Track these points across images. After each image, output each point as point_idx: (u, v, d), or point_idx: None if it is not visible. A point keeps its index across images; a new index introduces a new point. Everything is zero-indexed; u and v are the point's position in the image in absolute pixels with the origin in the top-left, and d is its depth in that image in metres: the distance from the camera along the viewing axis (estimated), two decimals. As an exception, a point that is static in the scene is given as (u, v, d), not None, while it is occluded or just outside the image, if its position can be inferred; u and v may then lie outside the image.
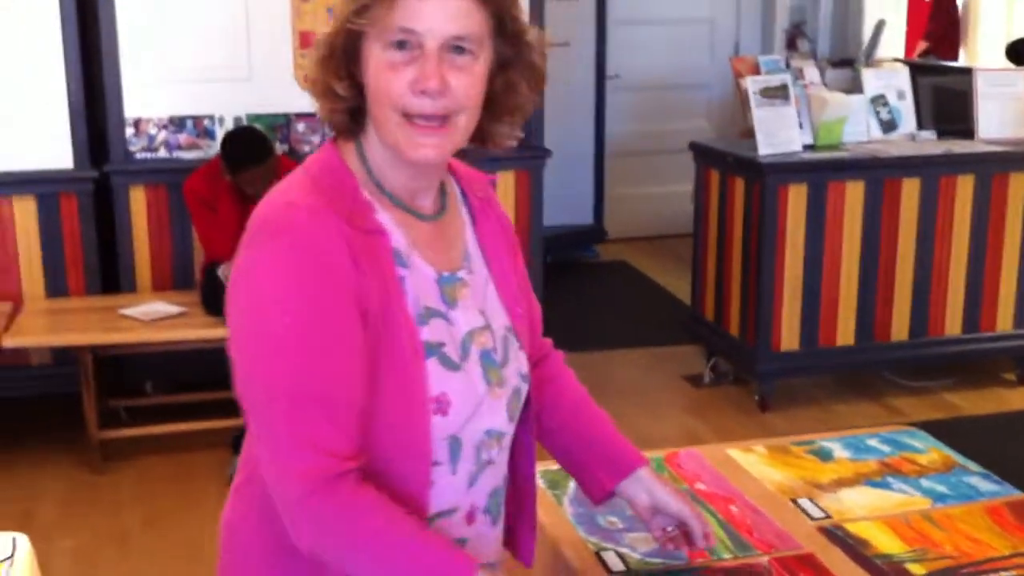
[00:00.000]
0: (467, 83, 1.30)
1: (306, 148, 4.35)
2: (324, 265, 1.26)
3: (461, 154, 1.41)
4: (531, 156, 4.60)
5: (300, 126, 4.36)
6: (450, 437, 1.35)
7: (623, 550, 1.79)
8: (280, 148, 4.23)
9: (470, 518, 1.43)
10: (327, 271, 1.26)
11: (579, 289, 6.14)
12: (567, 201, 6.55)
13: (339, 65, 1.32)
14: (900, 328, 4.53)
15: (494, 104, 1.38)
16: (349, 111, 1.35)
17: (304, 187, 1.32)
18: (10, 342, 3.69)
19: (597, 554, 1.78)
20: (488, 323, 1.43)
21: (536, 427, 1.59)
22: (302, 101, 1.45)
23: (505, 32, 1.34)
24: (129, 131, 4.17)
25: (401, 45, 1.27)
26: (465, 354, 1.38)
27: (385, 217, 1.34)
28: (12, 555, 1.82)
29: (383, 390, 1.29)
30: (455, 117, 1.30)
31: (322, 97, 1.36)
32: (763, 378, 4.45)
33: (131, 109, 4.15)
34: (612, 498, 1.67)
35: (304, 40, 4.25)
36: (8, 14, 3.98)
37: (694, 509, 1.64)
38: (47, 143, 4.08)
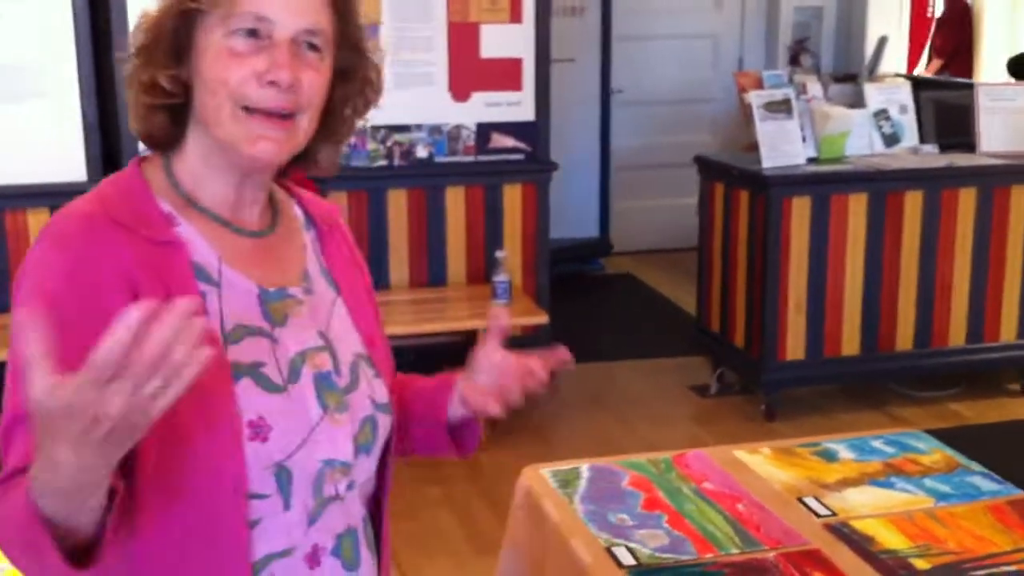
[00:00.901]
0: (315, 81, 1.22)
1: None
2: (77, 286, 1.14)
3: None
4: (537, 169, 4.66)
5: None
6: (275, 466, 1.20)
7: (633, 545, 1.83)
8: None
9: (312, 560, 1.26)
10: (79, 294, 1.14)
11: (585, 302, 6.18)
12: (573, 215, 6.61)
13: (166, 53, 1.21)
14: (905, 338, 4.57)
15: (327, 119, 1.29)
16: (169, 111, 1.24)
17: (88, 200, 1.22)
18: (25, 352, 3.74)
19: (608, 549, 1.82)
20: (329, 345, 1.30)
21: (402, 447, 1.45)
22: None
23: (347, 39, 1.28)
24: (141, 145, 4.23)
25: (251, 33, 1.19)
26: (294, 376, 1.25)
27: (189, 230, 1.23)
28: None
29: (184, 413, 1.09)
30: (299, 116, 1.22)
31: (143, 93, 1.23)
32: (769, 388, 4.49)
33: (144, 123, 4.21)
34: (474, 437, 1.47)
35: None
36: (23, 31, 4.04)
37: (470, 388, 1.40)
38: (61, 157, 4.14)
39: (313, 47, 1.22)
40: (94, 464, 0.99)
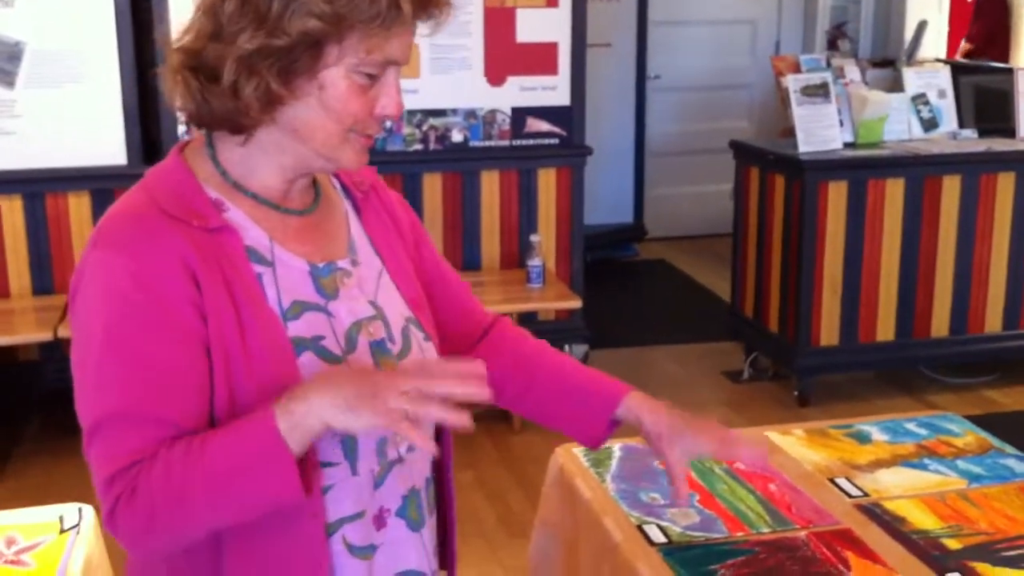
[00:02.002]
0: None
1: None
2: (144, 284, 1.19)
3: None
4: (572, 154, 4.66)
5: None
6: (341, 435, 1.25)
7: (665, 524, 1.84)
8: None
9: (379, 522, 1.33)
10: (148, 291, 1.19)
11: (619, 287, 6.18)
12: (607, 200, 6.61)
13: (288, 59, 1.20)
14: (940, 324, 4.54)
15: None
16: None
17: (138, 197, 1.26)
18: (65, 332, 3.80)
19: (639, 527, 1.83)
20: (380, 313, 1.35)
21: (502, 398, 1.54)
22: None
23: None
24: (181, 129, 4.27)
25: (373, 75, 1.24)
26: (351, 346, 1.30)
27: (238, 215, 1.28)
28: (79, 523, 1.91)
29: (252, 391, 1.21)
30: None
31: (248, 81, 1.20)
32: (802, 374, 4.48)
33: (183, 107, 4.25)
34: (607, 438, 1.57)
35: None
36: (65, 18, 4.10)
37: (679, 465, 1.48)
38: (102, 140, 4.19)
39: None
40: (326, 423, 1.15)
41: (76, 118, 4.17)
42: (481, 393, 1.17)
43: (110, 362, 1.19)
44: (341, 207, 1.42)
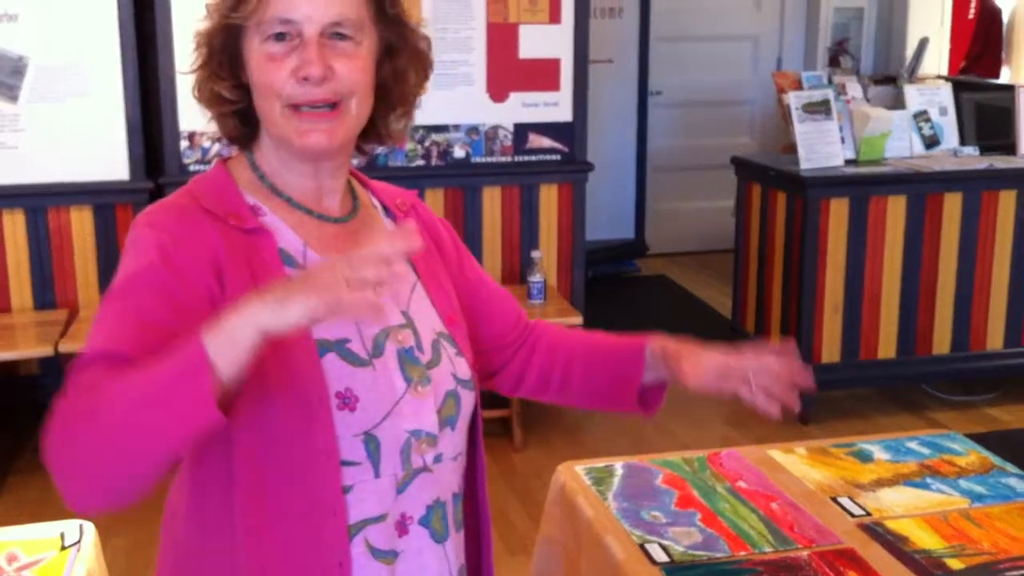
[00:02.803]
0: (352, 67, 1.28)
1: (353, 161, 4.43)
2: (169, 258, 1.23)
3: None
4: (574, 170, 4.67)
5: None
6: (364, 435, 1.27)
7: (667, 543, 1.84)
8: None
9: (401, 528, 1.33)
10: (171, 264, 1.23)
11: (620, 303, 6.18)
12: (608, 215, 6.62)
13: (220, 65, 1.31)
14: (942, 342, 4.54)
15: (385, 94, 1.36)
16: (238, 115, 1.33)
17: (179, 194, 1.33)
18: (66, 347, 3.80)
19: (641, 546, 1.83)
20: (410, 323, 1.36)
21: (549, 393, 1.57)
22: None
23: (386, 17, 1.34)
24: (184, 144, 4.29)
25: (280, 37, 1.26)
26: (378, 350, 1.31)
27: (274, 219, 1.32)
28: (79, 540, 1.90)
29: (278, 389, 1.23)
30: (345, 103, 1.29)
31: (209, 104, 1.34)
32: (803, 390, 4.46)
33: (186, 123, 4.26)
34: (660, 397, 1.55)
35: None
36: (69, 33, 4.11)
37: (731, 359, 1.46)
38: (105, 155, 4.20)
39: (343, 36, 1.28)
40: (277, 329, 1.07)
41: (79, 133, 4.18)
42: (411, 244, 1.10)
43: (114, 309, 1.22)
44: (380, 223, 1.44)
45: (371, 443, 1.28)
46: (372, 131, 1.39)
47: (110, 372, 1.14)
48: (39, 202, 4.15)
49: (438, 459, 1.35)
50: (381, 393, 1.29)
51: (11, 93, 4.10)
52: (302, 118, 1.28)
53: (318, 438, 1.24)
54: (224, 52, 1.30)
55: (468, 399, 1.39)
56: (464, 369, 1.40)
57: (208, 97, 1.33)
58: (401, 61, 1.36)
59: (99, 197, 4.20)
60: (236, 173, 1.36)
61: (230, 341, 1.08)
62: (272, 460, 1.25)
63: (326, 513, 1.25)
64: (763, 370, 1.44)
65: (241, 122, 1.34)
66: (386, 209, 1.46)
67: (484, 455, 1.47)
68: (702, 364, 1.46)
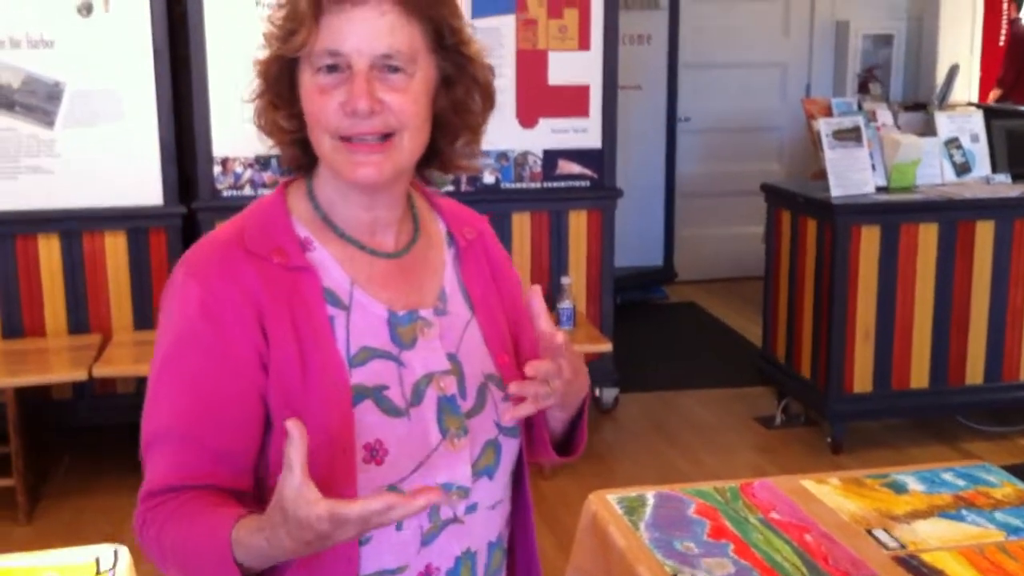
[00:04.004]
0: (402, 100, 1.24)
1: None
2: (212, 315, 1.23)
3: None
4: (603, 196, 4.67)
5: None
6: (389, 489, 1.22)
7: (699, 573, 1.83)
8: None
9: None
10: (214, 322, 1.23)
11: (648, 330, 6.17)
12: (637, 242, 6.61)
13: (277, 95, 1.29)
14: (975, 371, 4.50)
15: (445, 124, 1.32)
16: (297, 143, 1.31)
17: (228, 229, 1.30)
18: (99, 372, 3.82)
19: (674, 577, 1.82)
20: (457, 368, 1.32)
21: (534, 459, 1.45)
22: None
23: (444, 47, 1.29)
24: (216, 169, 4.32)
25: (332, 69, 1.23)
26: (417, 398, 1.27)
27: (323, 254, 1.30)
28: (114, 566, 1.91)
29: (313, 434, 1.15)
30: (397, 137, 1.25)
31: (269, 133, 1.33)
32: (835, 420, 4.44)
33: (219, 149, 4.29)
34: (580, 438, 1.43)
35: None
36: (104, 59, 4.16)
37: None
38: (139, 180, 4.24)
39: (394, 68, 1.24)
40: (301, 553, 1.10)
41: (113, 158, 4.22)
42: (430, 499, 1.06)
43: (166, 381, 1.24)
44: (440, 252, 1.39)
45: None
46: (435, 159, 1.36)
47: (182, 495, 1.21)
48: (74, 227, 4.19)
49: (471, 509, 1.31)
50: (413, 446, 1.25)
51: (47, 119, 4.16)
52: (352, 150, 1.25)
53: (338, 493, 1.17)
54: (280, 82, 1.29)
55: (510, 447, 1.35)
56: (508, 416, 1.31)
57: (268, 126, 1.32)
58: (459, 91, 1.32)
59: (133, 222, 4.24)
60: (293, 201, 1.34)
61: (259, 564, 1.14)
62: None
63: (339, 564, 1.23)
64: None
65: (302, 151, 1.32)
66: (450, 235, 1.41)
67: (530, 502, 1.42)
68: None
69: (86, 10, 4.14)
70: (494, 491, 1.34)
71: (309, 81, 1.25)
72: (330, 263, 1.30)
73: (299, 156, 1.33)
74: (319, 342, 1.24)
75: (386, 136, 1.25)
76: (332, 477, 1.19)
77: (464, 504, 1.30)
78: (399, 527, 1.25)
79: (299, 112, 1.28)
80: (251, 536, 1.12)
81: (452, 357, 1.32)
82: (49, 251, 4.20)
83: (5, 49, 4.08)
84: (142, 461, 1.26)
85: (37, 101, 4.15)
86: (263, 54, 1.30)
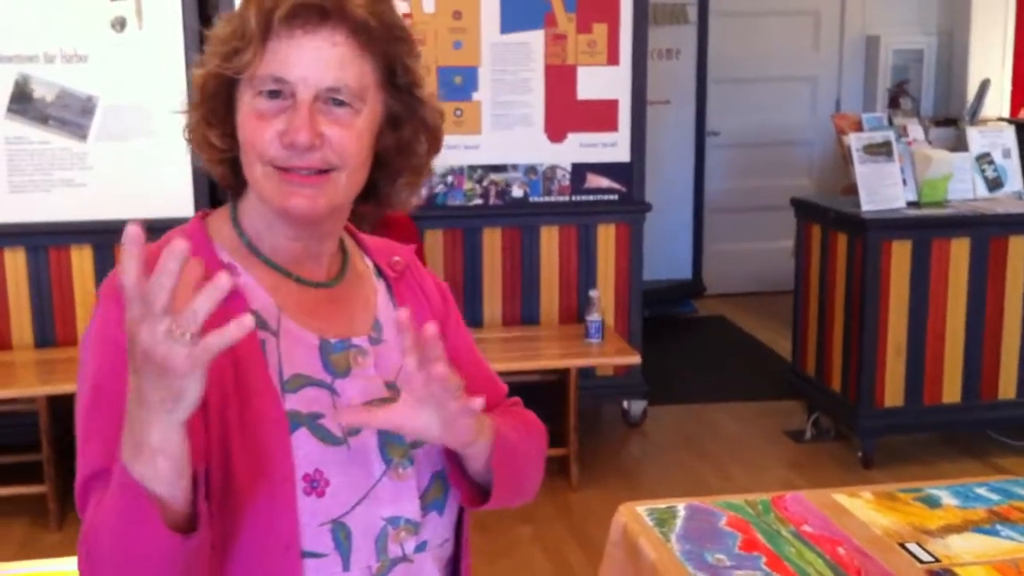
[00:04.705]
0: (345, 137, 1.18)
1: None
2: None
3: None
4: (632, 210, 4.67)
5: (408, 179, 4.50)
6: (332, 523, 1.16)
7: (731, 586, 1.81)
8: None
9: None
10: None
11: (677, 343, 6.15)
12: (666, 256, 6.60)
13: (211, 111, 1.23)
14: (1007, 386, 4.45)
15: (387, 164, 1.26)
16: (228, 162, 1.25)
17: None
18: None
19: (705, 589, 1.81)
20: (396, 396, 1.22)
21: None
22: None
23: (396, 85, 1.23)
24: (246, 182, 4.35)
25: (272, 94, 1.17)
26: (355, 428, 1.20)
27: (249, 280, 1.23)
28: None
29: (241, 464, 1.12)
30: (335, 173, 1.19)
31: (198, 148, 1.26)
32: (866, 435, 4.41)
33: (249, 161, 4.33)
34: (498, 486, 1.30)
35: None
36: (137, 73, 4.20)
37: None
38: (170, 193, 4.27)
39: (340, 103, 1.18)
40: (168, 435, 1.00)
41: (145, 171, 4.26)
42: (222, 286, 0.98)
43: (96, 416, 1.14)
44: (371, 285, 1.34)
45: (340, 532, 1.17)
46: (372, 196, 1.29)
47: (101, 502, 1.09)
48: (106, 239, 4.22)
49: (421, 547, 1.24)
50: (354, 477, 1.18)
51: (80, 132, 4.20)
52: (285, 180, 1.18)
53: (279, 526, 1.13)
54: (216, 99, 1.22)
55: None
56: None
57: (198, 141, 1.25)
58: (406, 132, 1.25)
59: (163, 234, 4.26)
60: (215, 228, 1.27)
61: (146, 457, 1.01)
62: (228, 548, 1.14)
63: None
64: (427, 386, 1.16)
65: (232, 171, 1.25)
66: (379, 269, 1.36)
67: (468, 543, 1.34)
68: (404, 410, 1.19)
69: (120, 25, 4.19)
70: (443, 528, 1.28)
71: (248, 104, 1.19)
72: (256, 289, 1.23)
73: (229, 176, 1.26)
74: (251, 366, 1.17)
75: (323, 170, 1.19)
76: (272, 511, 1.14)
77: (414, 542, 1.23)
78: (347, 567, 1.18)
79: (233, 132, 1.22)
80: (135, 466, 1.02)
81: (391, 386, 1.26)
82: (81, 262, 4.24)
83: (40, 64, 4.13)
84: (79, 505, 1.13)
85: (71, 115, 4.19)
86: (200, 68, 1.23)
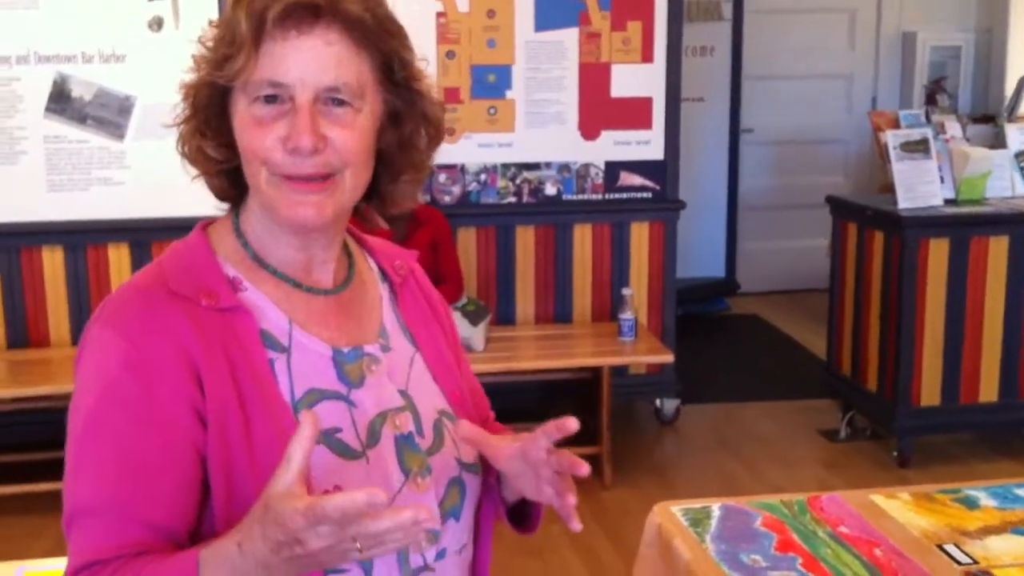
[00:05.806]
0: (348, 137, 1.15)
1: (446, 198, 4.50)
2: (137, 372, 1.12)
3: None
4: (665, 208, 4.66)
5: (441, 176, 4.51)
6: None
7: (767, 587, 1.81)
8: (422, 198, 4.38)
9: None
10: (140, 379, 1.11)
11: (711, 342, 6.13)
12: (699, 254, 6.58)
13: (204, 122, 1.19)
14: (1046, 386, 4.41)
15: (388, 161, 1.24)
16: (225, 174, 1.22)
17: (148, 274, 1.20)
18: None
19: (740, 590, 1.80)
20: (410, 404, 1.24)
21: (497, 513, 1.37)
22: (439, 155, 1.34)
23: (394, 80, 1.20)
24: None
25: (270, 99, 1.14)
26: (373, 439, 1.19)
27: (256, 295, 1.20)
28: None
29: (254, 489, 1.06)
30: (339, 176, 1.16)
31: (193, 161, 1.22)
32: (902, 434, 4.38)
33: (284, 160, 4.35)
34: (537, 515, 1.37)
35: (449, 96, 4.40)
36: (173, 72, 4.21)
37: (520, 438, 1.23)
38: (206, 191, 4.29)
39: (340, 102, 1.15)
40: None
41: (181, 170, 4.27)
42: (428, 522, 0.97)
43: (89, 449, 1.12)
44: (376, 290, 1.32)
45: None
46: (374, 196, 1.27)
47: (126, 560, 1.09)
48: (143, 236, 4.27)
49: (440, 555, 1.23)
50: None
51: (118, 131, 4.24)
52: (291, 188, 1.15)
53: None
54: (209, 109, 1.19)
55: (474, 484, 1.28)
56: (468, 451, 1.27)
57: (192, 154, 1.22)
58: (407, 128, 1.23)
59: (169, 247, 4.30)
60: (217, 239, 1.23)
61: None
62: None
63: None
64: (542, 464, 1.20)
65: (229, 182, 1.22)
66: (383, 272, 1.34)
67: (490, 547, 1.34)
68: (501, 453, 1.23)
69: (157, 25, 4.23)
70: (461, 534, 1.27)
71: (244, 111, 1.15)
72: (264, 303, 1.20)
73: (226, 187, 1.23)
74: (260, 388, 1.15)
75: (326, 176, 1.16)
76: None
77: (434, 550, 1.22)
78: None
79: (229, 142, 1.19)
80: (221, 545, 1.03)
81: (403, 394, 1.25)
82: (119, 259, 4.28)
83: (78, 64, 4.17)
84: (65, 536, 1.13)
85: (109, 114, 4.24)
86: (190, 77, 1.20)
